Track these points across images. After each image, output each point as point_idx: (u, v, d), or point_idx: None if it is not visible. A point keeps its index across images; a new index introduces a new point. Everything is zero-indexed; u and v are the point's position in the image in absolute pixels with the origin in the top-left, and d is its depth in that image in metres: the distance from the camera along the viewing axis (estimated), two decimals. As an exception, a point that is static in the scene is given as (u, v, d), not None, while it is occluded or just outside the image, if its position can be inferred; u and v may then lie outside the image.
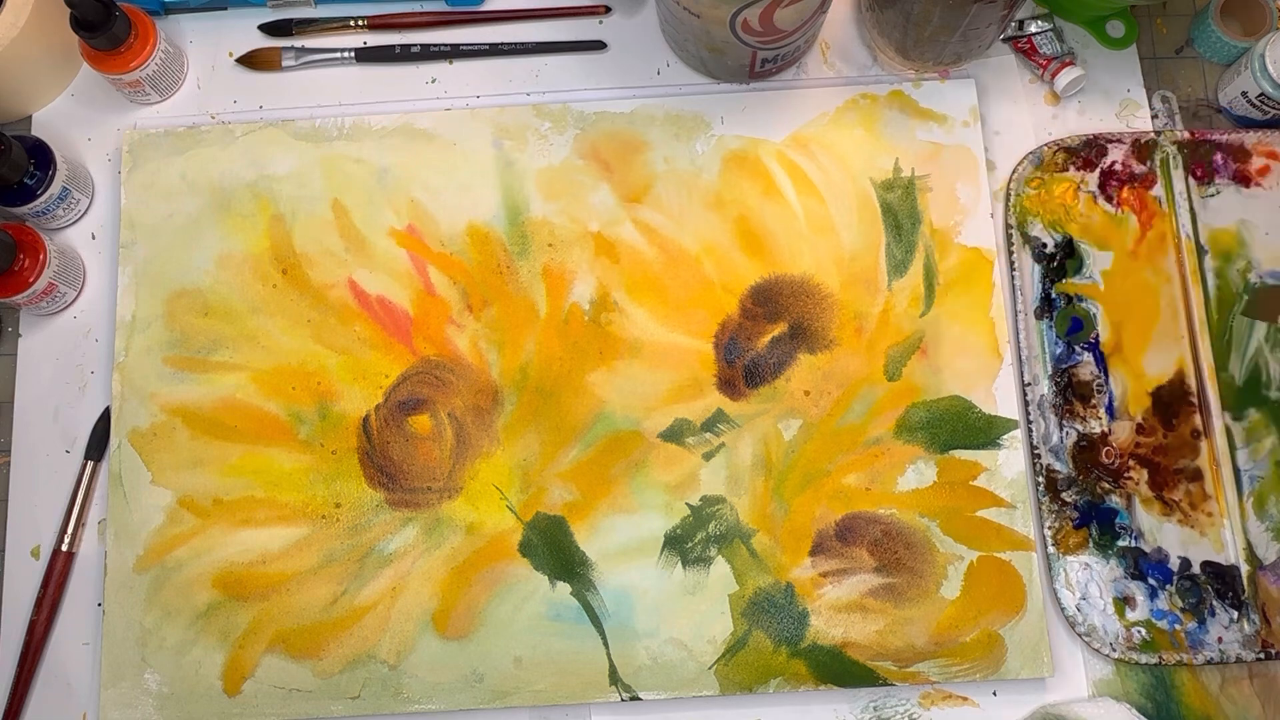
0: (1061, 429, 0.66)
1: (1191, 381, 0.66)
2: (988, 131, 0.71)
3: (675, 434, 0.66)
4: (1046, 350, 0.67)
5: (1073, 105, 0.72)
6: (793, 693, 0.63)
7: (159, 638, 0.64)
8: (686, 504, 0.65)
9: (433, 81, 0.73)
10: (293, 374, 0.67)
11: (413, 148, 0.70)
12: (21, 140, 0.66)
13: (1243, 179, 0.69)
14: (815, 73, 0.72)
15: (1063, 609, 0.64)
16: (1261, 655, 0.63)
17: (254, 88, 0.73)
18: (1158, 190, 0.69)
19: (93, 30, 0.65)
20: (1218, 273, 0.68)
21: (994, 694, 0.64)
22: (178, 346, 0.68)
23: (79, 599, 0.66)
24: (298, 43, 0.73)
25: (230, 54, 0.73)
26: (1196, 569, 0.64)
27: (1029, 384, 0.67)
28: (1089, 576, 0.64)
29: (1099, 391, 0.66)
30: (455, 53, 0.73)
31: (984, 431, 0.66)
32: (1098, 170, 0.69)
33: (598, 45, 0.73)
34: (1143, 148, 0.69)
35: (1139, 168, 0.69)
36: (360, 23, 0.73)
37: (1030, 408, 0.66)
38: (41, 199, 0.67)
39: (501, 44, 0.73)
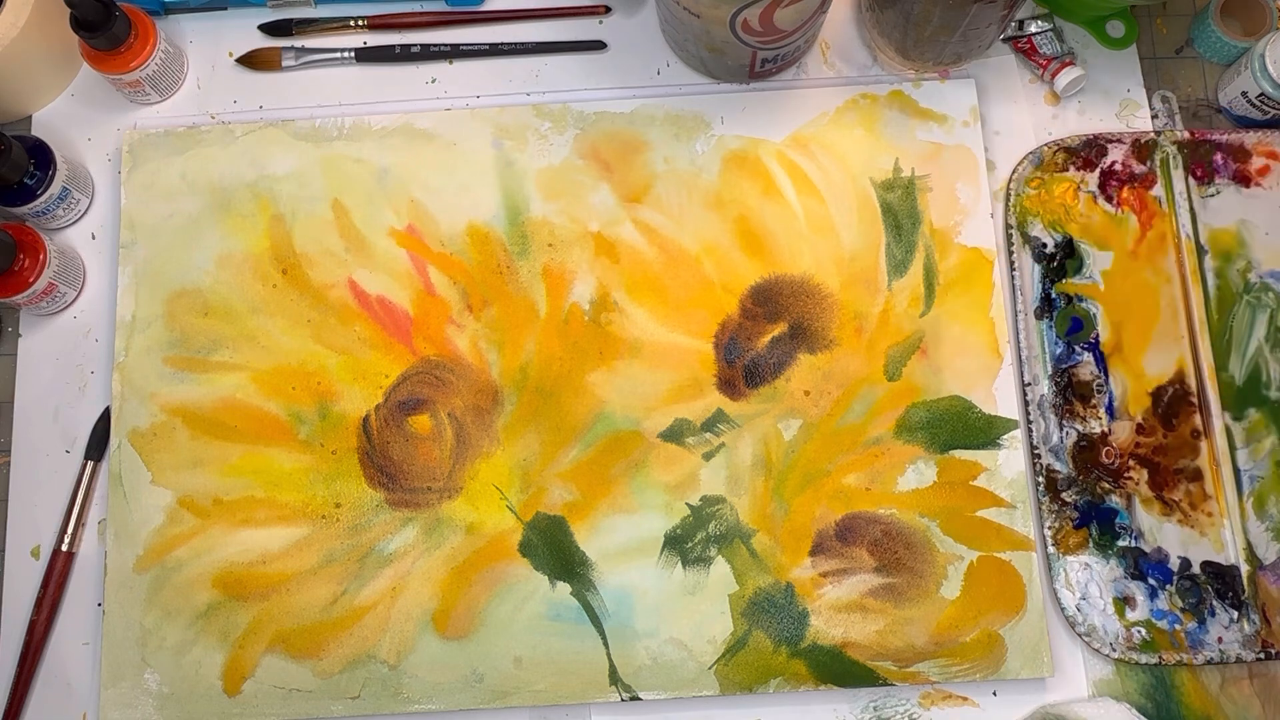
0: (1061, 429, 0.66)
1: (1191, 381, 0.66)
2: (988, 131, 0.71)
3: (675, 434, 0.66)
4: (1046, 350, 0.67)
5: (1073, 105, 0.72)
6: (793, 693, 0.63)
7: (159, 638, 0.64)
8: (686, 504, 0.65)
9: (433, 81, 0.73)
10: (293, 374, 0.67)
11: (413, 148, 0.70)
12: (21, 140, 0.66)
13: (1243, 179, 0.69)
14: (815, 73, 0.72)
15: (1063, 609, 0.64)
16: (1261, 655, 0.63)
17: (254, 88, 0.73)
18: (1158, 190, 0.69)
19: (93, 30, 0.65)
20: (1218, 273, 0.68)
21: (994, 694, 0.64)
22: (178, 346, 0.68)
23: (79, 599, 0.66)
24: (298, 43, 0.73)
25: (230, 54, 0.73)
26: (1196, 569, 0.64)
27: (1029, 384, 0.67)
28: (1089, 576, 0.64)
29: (1099, 391, 0.66)
30: (455, 53, 0.73)
31: (984, 431, 0.66)
32: (1098, 170, 0.69)
33: (598, 45, 0.73)
34: (1143, 148, 0.69)
35: (1139, 168, 0.69)
36: (360, 23, 0.73)
37: (1030, 408, 0.66)
38: (41, 199, 0.67)
39: (501, 44, 0.73)
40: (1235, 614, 0.63)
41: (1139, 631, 0.63)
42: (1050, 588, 0.64)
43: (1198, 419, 0.66)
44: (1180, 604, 0.64)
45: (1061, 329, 0.67)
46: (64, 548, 0.66)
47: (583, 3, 0.73)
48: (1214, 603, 0.64)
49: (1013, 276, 0.68)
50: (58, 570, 0.65)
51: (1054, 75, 0.70)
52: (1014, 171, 0.69)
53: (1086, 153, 0.69)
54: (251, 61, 0.72)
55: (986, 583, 0.64)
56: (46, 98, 0.72)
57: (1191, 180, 0.69)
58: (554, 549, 0.65)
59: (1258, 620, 0.63)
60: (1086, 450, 0.66)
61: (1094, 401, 0.66)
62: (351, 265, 0.68)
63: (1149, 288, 0.68)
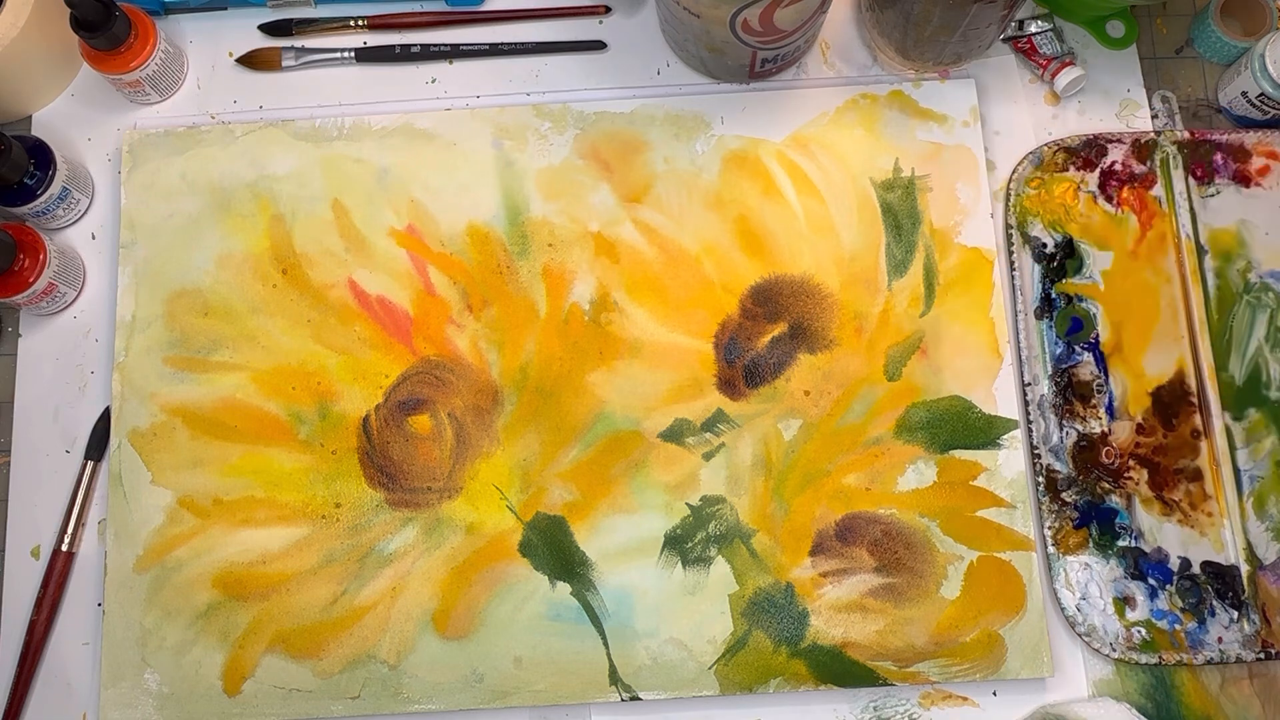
0: (1061, 429, 0.66)
1: (1191, 381, 0.66)
2: (988, 131, 0.71)
3: (675, 434, 0.66)
4: (1046, 350, 0.67)
5: (1073, 105, 0.72)
6: (793, 693, 0.63)
7: (159, 638, 0.64)
8: (686, 504, 0.65)
9: (433, 81, 0.73)
10: (293, 374, 0.67)
11: (413, 148, 0.70)
12: (21, 140, 0.66)
13: (1243, 179, 0.69)
14: (815, 73, 0.72)
15: (1063, 609, 0.64)
16: (1261, 655, 0.63)
17: (254, 88, 0.73)
18: (1158, 190, 0.69)
19: (93, 30, 0.65)
20: (1218, 273, 0.68)
21: (994, 694, 0.64)
22: (178, 346, 0.68)
23: (79, 599, 0.66)
24: (298, 43, 0.73)
25: (230, 54, 0.73)
26: (1196, 569, 0.64)
27: (1029, 384, 0.67)
28: (1089, 576, 0.64)
29: (1099, 391, 0.66)
30: (455, 53, 0.73)
31: (984, 431, 0.66)
32: (1098, 170, 0.69)
33: (598, 45, 0.73)
34: (1143, 148, 0.69)
35: (1139, 168, 0.69)
36: (360, 23, 0.73)
37: (1030, 408, 0.66)
38: (41, 199, 0.67)
39: (501, 44, 0.73)
40: (1235, 614, 0.63)
41: (1139, 631, 0.63)
42: (1050, 588, 0.64)
43: (1198, 419, 0.66)
44: (1180, 604, 0.64)
45: (1061, 329, 0.67)
46: (64, 548, 0.66)
47: (583, 3, 0.73)
48: (1214, 603, 0.64)
49: (1013, 276, 0.68)
50: (58, 570, 0.65)
51: (1054, 75, 0.70)
52: (1014, 171, 0.69)
53: (1086, 153, 0.69)
54: (251, 61, 0.72)
55: (986, 583, 0.64)
56: (46, 98, 0.72)
57: (1191, 180, 0.69)
58: (554, 549, 0.65)
59: (1258, 620, 0.63)
60: (1086, 450, 0.66)
61: (1094, 401, 0.66)
62: (351, 265, 0.69)
63: (1149, 288, 0.68)
